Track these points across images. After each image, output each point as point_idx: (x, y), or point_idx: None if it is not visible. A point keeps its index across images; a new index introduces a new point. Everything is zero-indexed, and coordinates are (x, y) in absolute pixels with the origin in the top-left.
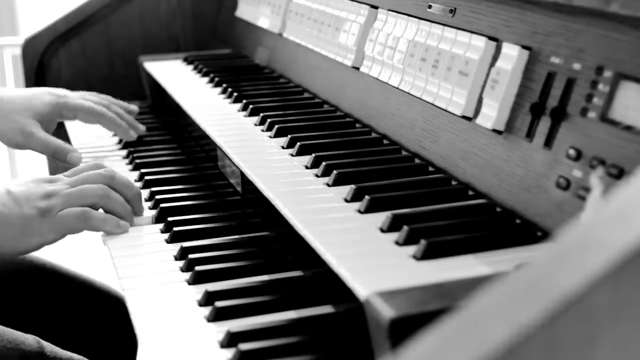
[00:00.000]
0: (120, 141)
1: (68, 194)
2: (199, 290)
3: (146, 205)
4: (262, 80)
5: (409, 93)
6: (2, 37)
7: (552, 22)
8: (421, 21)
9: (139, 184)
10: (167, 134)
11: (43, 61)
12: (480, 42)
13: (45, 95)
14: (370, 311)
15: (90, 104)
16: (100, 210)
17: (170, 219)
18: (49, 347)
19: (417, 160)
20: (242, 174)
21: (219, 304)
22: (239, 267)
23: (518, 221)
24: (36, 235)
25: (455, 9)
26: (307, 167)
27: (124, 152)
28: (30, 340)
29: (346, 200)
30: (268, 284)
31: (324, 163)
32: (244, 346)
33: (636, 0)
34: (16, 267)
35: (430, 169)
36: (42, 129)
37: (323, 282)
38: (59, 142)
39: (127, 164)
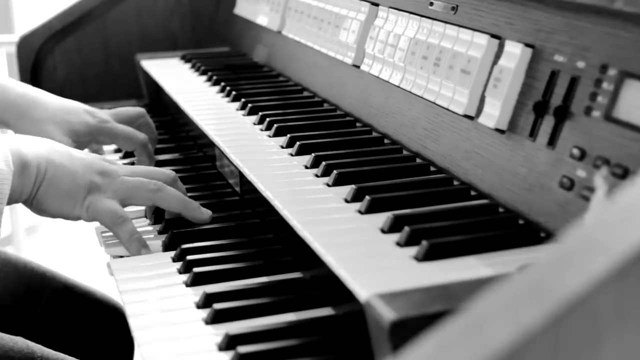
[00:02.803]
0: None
1: (122, 181)
2: (197, 292)
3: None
4: (261, 79)
5: (410, 92)
6: None
7: (555, 20)
8: (423, 19)
9: None
10: (165, 133)
11: (38, 59)
12: (482, 40)
13: (84, 114)
14: (371, 313)
15: (132, 132)
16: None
17: (168, 219)
18: (39, 350)
19: (418, 160)
20: (241, 174)
21: (218, 306)
22: (237, 268)
23: (521, 222)
24: (72, 205)
25: (457, 6)
26: (306, 167)
27: (120, 153)
28: (20, 343)
29: (346, 201)
30: (267, 285)
31: (323, 163)
32: (243, 349)
33: None
34: (18, 276)
35: (432, 168)
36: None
37: (323, 283)
38: None
39: (125, 164)
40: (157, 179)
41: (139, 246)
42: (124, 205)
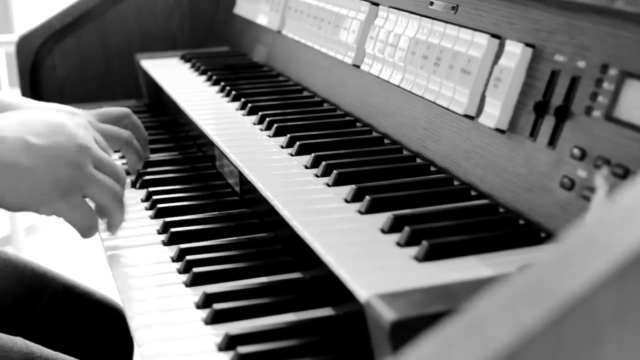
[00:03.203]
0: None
1: (96, 182)
2: (197, 293)
3: (143, 205)
4: (261, 79)
5: (410, 91)
6: None
7: (556, 19)
8: (423, 18)
9: (135, 184)
10: (164, 133)
11: (38, 59)
12: (482, 39)
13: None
14: (371, 313)
15: (117, 130)
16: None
17: (167, 219)
18: (39, 350)
19: (418, 160)
20: (241, 174)
21: (217, 306)
22: (237, 268)
23: (521, 222)
24: (40, 206)
25: (457, 5)
26: (306, 167)
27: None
28: (19, 343)
29: (346, 201)
30: (267, 286)
31: (323, 163)
32: (243, 349)
33: None
34: (19, 276)
35: (432, 168)
36: None
37: (323, 284)
38: None
39: (124, 164)
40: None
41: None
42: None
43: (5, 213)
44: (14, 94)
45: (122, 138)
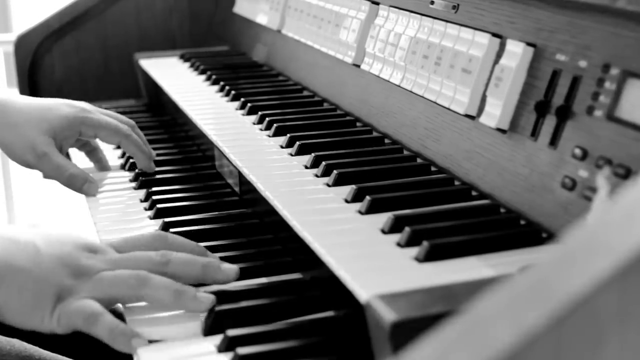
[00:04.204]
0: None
1: (99, 279)
2: None
3: (143, 206)
4: (261, 78)
5: (410, 91)
6: None
7: (557, 19)
8: (423, 17)
9: (134, 184)
10: (164, 133)
11: (36, 58)
12: (483, 38)
13: (63, 107)
14: (372, 314)
15: (115, 123)
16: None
17: (166, 220)
18: (37, 352)
19: (419, 160)
20: (240, 174)
21: (217, 307)
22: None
23: (523, 222)
24: (40, 318)
25: (458, 5)
26: (306, 167)
27: (119, 152)
28: (17, 345)
29: (347, 201)
30: (267, 286)
31: (323, 163)
32: (242, 350)
33: None
34: None
35: (433, 168)
36: (57, 146)
37: (323, 284)
38: (75, 169)
39: (123, 164)
40: (145, 268)
41: (125, 340)
42: (107, 307)
43: (5, 213)
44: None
45: (122, 132)
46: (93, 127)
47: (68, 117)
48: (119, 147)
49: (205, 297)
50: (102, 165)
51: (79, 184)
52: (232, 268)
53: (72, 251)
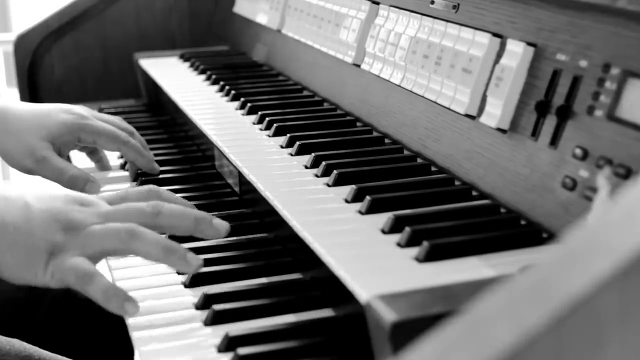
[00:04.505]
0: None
1: (89, 233)
2: (196, 294)
3: None
4: (261, 78)
5: (411, 91)
6: None
7: (558, 18)
8: (423, 17)
9: (134, 184)
10: (163, 132)
11: (35, 58)
12: (484, 38)
13: (62, 113)
14: (372, 314)
15: (113, 129)
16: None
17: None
18: (37, 353)
19: (419, 160)
20: (240, 174)
21: (217, 307)
22: (236, 269)
23: (523, 222)
24: (33, 273)
25: (458, 4)
26: (306, 167)
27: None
28: (17, 345)
29: (347, 201)
30: (267, 286)
31: (324, 163)
32: (243, 350)
33: None
34: None
35: (433, 168)
36: (56, 151)
37: (323, 284)
38: (76, 170)
39: (123, 164)
40: (136, 220)
41: (118, 302)
42: (97, 260)
43: None
44: (11, 96)
45: (121, 139)
46: (91, 134)
47: (66, 124)
48: (124, 166)
49: (194, 258)
50: (102, 164)
51: (81, 184)
52: (223, 224)
53: (62, 205)
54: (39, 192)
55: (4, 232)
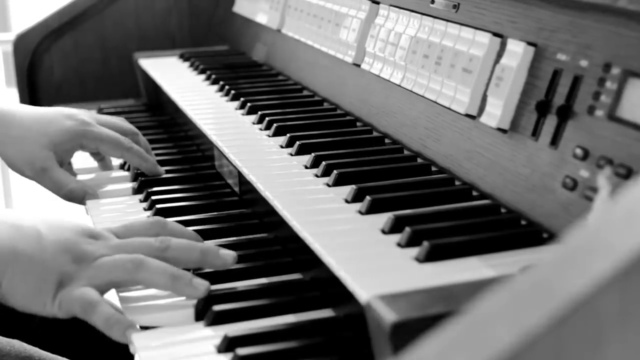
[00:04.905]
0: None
1: (98, 265)
2: None
3: (142, 206)
4: (260, 78)
5: (411, 91)
6: None
7: (558, 18)
8: (424, 17)
9: (134, 184)
10: (163, 132)
11: (35, 58)
12: (484, 38)
13: (64, 120)
14: (372, 315)
15: (116, 136)
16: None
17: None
18: (37, 353)
19: (419, 160)
20: (240, 174)
21: (216, 307)
22: (236, 269)
23: (523, 222)
24: (42, 304)
25: (458, 4)
26: (306, 167)
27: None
28: (17, 346)
29: (347, 201)
30: (266, 287)
31: (324, 163)
32: (242, 351)
33: None
34: None
35: (433, 168)
36: (58, 159)
37: (323, 285)
38: (74, 184)
39: (122, 163)
40: (145, 253)
41: (120, 330)
42: (104, 291)
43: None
44: (10, 96)
45: (124, 146)
46: (94, 140)
47: (69, 131)
48: (123, 166)
49: (200, 283)
50: (105, 164)
51: (79, 198)
52: (230, 254)
53: (73, 237)
54: (50, 220)
55: (16, 262)
